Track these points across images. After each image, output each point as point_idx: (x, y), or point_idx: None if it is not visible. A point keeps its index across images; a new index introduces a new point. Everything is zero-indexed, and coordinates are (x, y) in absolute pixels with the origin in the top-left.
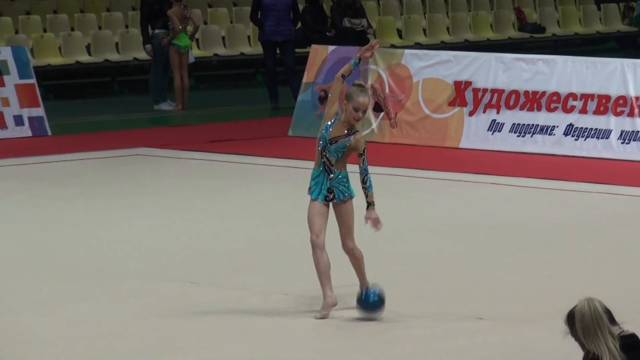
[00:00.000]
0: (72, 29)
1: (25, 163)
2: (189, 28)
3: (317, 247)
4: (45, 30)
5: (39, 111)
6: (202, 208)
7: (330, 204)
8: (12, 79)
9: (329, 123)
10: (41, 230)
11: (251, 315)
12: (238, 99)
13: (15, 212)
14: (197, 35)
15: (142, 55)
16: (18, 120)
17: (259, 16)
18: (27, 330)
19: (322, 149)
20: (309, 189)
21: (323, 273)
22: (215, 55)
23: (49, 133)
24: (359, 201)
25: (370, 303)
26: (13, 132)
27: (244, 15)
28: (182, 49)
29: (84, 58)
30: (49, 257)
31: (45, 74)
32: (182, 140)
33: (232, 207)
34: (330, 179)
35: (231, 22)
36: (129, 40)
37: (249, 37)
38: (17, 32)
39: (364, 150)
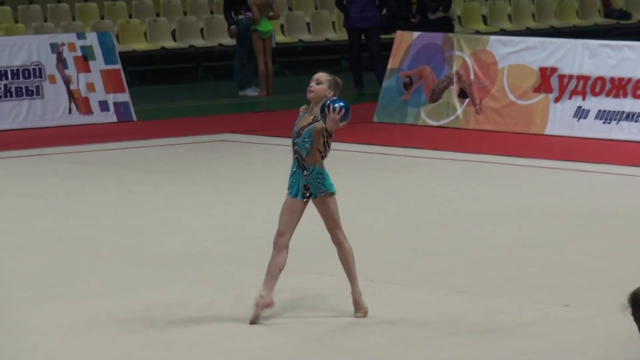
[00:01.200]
0: (158, 15)
1: (110, 148)
2: (271, 13)
3: (277, 247)
4: (130, 16)
5: (124, 97)
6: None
7: (311, 200)
8: (98, 64)
9: (299, 116)
10: (127, 215)
11: (336, 300)
12: None
13: (101, 197)
14: (281, 21)
15: (227, 41)
16: (103, 106)
17: (344, 2)
18: (113, 312)
19: (292, 144)
20: (288, 186)
21: (270, 272)
22: (300, 41)
23: (134, 118)
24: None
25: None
26: (98, 117)
27: (329, 1)
28: (264, 35)
29: (169, 44)
30: (135, 242)
31: (130, 60)
32: (267, 126)
33: None
34: (304, 176)
35: (316, 8)
36: (214, 25)
37: (333, 23)
38: (102, 18)
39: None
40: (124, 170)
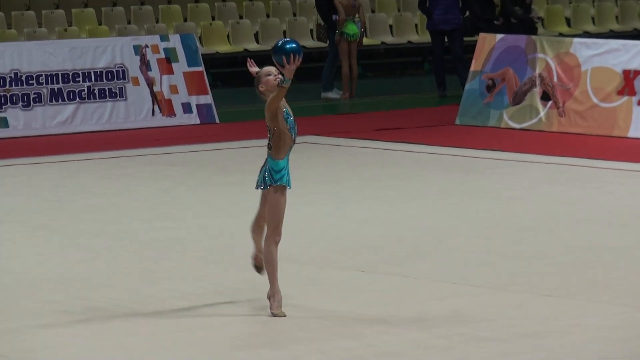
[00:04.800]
0: (241, 17)
1: (193, 150)
2: (357, 17)
3: (277, 244)
4: (213, 18)
5: (207, 99)
6: (370, 196)
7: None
8: (181, 66)
9: (287, 109)
10: (210, 216)
11: (415, 303)
12: (405, 87)
13: (185, 199)
14: (365, 24)
15: (310, 43)
16: (186, 108)
17: (427, 5)
18: (201, 314)
19: (294, 134)
20: (276, 180)
21: (275, 268)
22: (383, 43)
23: (217, 120)
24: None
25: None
26: (181, 119)
27: (411, 3)
28: (350, 37)
29: (252, 46)
30: (219, 243)
31: (213, 62)
32: (350, 129)
33: (400, 196)
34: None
35: (399, 11)
36: (296, 28)
37: (416, 25)
38: (185, 20)
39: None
40: (207, 172)
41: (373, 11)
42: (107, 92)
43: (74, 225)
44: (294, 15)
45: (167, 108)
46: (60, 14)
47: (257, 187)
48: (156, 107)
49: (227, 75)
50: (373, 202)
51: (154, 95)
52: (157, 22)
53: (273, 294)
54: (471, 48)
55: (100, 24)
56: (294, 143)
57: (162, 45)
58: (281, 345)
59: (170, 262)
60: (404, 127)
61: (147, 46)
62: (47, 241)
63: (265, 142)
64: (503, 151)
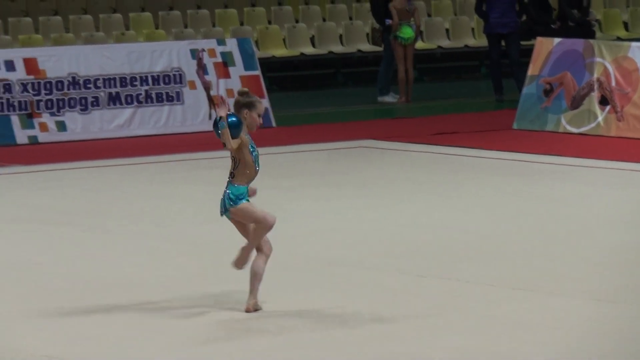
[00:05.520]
0: (297, 21)
1: None
2: (412, 21)
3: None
4: (269, 22)
5: (264, 102)
6: (426, 200)
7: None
8: (238, 70)
9: (252, 143)
10: None
11: (471, 308)
12: (462, 91)
13: None
14: (420, 27)
15: (366, 47)
16: None
17: (484, 8)
18: (249, 318)
19: (258, 166)
20: (235, 203)
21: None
22: (439, 47)
23: (274, 124)
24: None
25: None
26: None
27: (468, 7)
28: (405, 41)
29: (308, 50)
30: (277, 247)
31: (269, 66)
32: (406, 133)
33: (456, 200)
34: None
35: (455, 14)
36: (353, 32)
37: (472, 29)
38: (242, 24)
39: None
40: (263, 176)
41: (429, 15)
42: (164, 96)
43: (130, 228)
44: (350, 19)
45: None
46: (118, 18)
47: (220, 215)
48: (213, 111)
49: (283, 79)
50: (429, 206)
51: (210, 99)
52: (213, 26)
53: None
54: (528, 52)
55: (157, 27)
56: (256, 174)
57: (219, 49)
58: (334, 350)
59: (223, 266)
60: (461, 132)
61: (203, 50)
62: (103, 244)
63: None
64: (561, 156)
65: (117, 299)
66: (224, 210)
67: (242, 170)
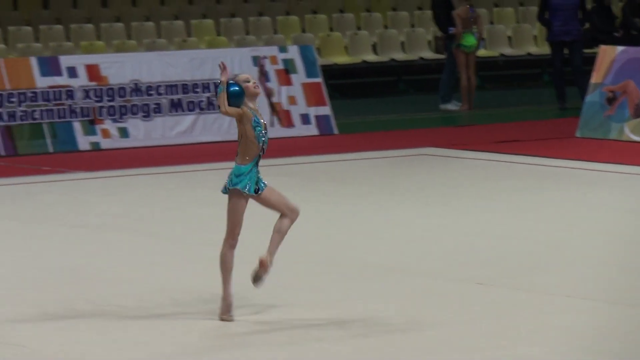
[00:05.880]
0: (359, 28)
1: (312, 161)
2: (475, 29)
3: (233, 248)
4: (331, 29)
5: (326, 110)
6: (488, 209)
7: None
8: (299, 77)
9: (255, 118)
10: (328, 227)
11: (531, 317)
12: (524, 99)
13: (304, 209)
14: (483, 35)
15: (428, 54)
16: (305, 119)
17: (546, 16)
18: (313, 324)
19: (261, 142)
20: (235, 184)
21: (228, 271)
22: (501, 55)
23: (336, 132)
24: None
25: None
26: (300, 130)
27: (530, 14)
28: (467, 49)
29: (370, 57)
30: (335, 254)
31: (331, 73)
32: (469, 141)
33: (519, 208)
34: (257, 171)
35: (517, 22)
36: (415, 39)
37: (535, 36)
38: (303, 31)
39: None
40: (325, 183)
41: (492, 22)
42: None
43: (190, 235)
44: (412, 26)
45: (285, 119)
46: (180, 25)
47: (222, 191)
48: (275, 118)
49: (345, 87)
50: (491, 214)
51: (272, 106)
52: (275, 33)
53: (223, 298)
54: (591, 60)
55: (219, 34)
56: (263, 152)
57: (281, 56)
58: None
59: (290, 272)
60: (524, 140)
61: (265, 57)
62: (165, 251)
63: None
64: (624, 164)
65: (178, 307)
66: (224, 189)
67: (244, 147)
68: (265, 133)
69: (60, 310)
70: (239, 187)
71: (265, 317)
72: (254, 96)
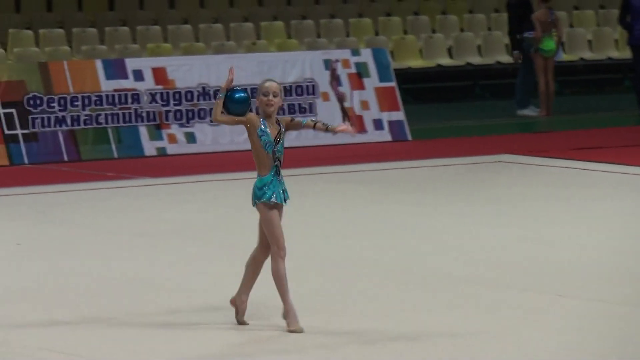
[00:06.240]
0: (434, 31)
1: (384, 168)
2: (554, 32)
3: (284, 259)
4: (405, 32)
5: (399, 115)
6: (565, 218)
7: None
8: (372, 81)
9: (262, 127)
10: (403, 236)
11: (617, 330)
12: (604, 104)
13: (375, 217)
14: (563, 39)
15: (506, 58)
16: (378, 124)
17: (628, 19)
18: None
19: (272, 153)
20: (259, 198)
21: (285, 282)
22: (581, 59)
23: (409, 138)
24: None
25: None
26: (372, 136)
27: (611, 17)
28: (546, 54)
29: (445, 61)
30: (409, 263)
31: (404, 77)
32: (547, 147)
33: (597, 218)
34: (279, 181)
35: (598, 25)
36: (491, 42)
37: (616, 40)
38: (377, 34)
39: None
40: (398, 191)
41: (571, 26)
42: (296, 108)
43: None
44: (489, 29)
45: (358, 124)
46: (249, 27)
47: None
48: (347, 124)
49: (419, 91)
50: (568, 224)
51: (344, 111)
52: (347, 35)
53: (287, 311)
54: None
55: (289, 37)
56: (278, 161)
57: (353, 59)
58: None
59: (359, 282)
60: (604, 147)
61: (337, 60)
62: (233, 261)
63: None
64: None
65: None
66: (253, 203)
67: (256, 157)
68: (276, 143)
69: (124, 319)
70: (264, 200)
71: (335, 326)
72: (264, 112)
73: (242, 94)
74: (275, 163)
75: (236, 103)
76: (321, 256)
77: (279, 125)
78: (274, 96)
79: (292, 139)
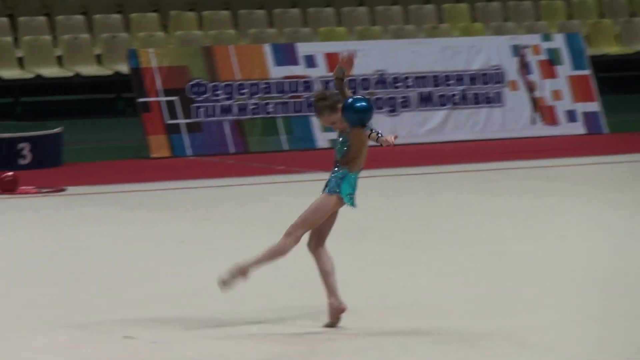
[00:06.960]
0: (632, 15)
1: (576, 164)
2: None
3: (292, 246)
4: (602, 15)
5: (594, 106)
6: None
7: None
8: (565, 69)
9: (341, 132)
10: (591, 239)
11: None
12: None
13: (562, 216)
14: None
15: None
16: (571, 116)
17: None
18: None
19: (336, 154)
20: (343, 192)
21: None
22: None
23: (605, 131)
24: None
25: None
26: (565, 128)
27: None
28: None
29: None
30: (587, 268)
31: (601, 65)
32: None
33: None
34: (331, 172)
35: None
36: None
37: None
38: (570, 17)
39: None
40: (591, 188)
41: None
42: (481, 97)
43: (442, 246)
44: None
45: (549, 116)
46: (430, 9)
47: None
48: (536, 115)
49: (617, 80)
50: None
51: (534, 102)
52: (537, 19)
53: (231, 279)
54: None
55: (474, 20)
56: (337, 162)
57: (544, 45)
58: None
59: (541, 289)
60: None
61: (527, 46)
62: (414, 262)
63: None
64: None
65: (425, 323)
66: (331, 190)
67: (359, 152)
68: (339, 141)
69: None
70: (346, 199)
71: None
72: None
73: (366, 104)
74: (336, 163)
75: (363, 112)
76: (505, 262)
77: (348, 133)
78: (332, 124)
79: (477, 130)
